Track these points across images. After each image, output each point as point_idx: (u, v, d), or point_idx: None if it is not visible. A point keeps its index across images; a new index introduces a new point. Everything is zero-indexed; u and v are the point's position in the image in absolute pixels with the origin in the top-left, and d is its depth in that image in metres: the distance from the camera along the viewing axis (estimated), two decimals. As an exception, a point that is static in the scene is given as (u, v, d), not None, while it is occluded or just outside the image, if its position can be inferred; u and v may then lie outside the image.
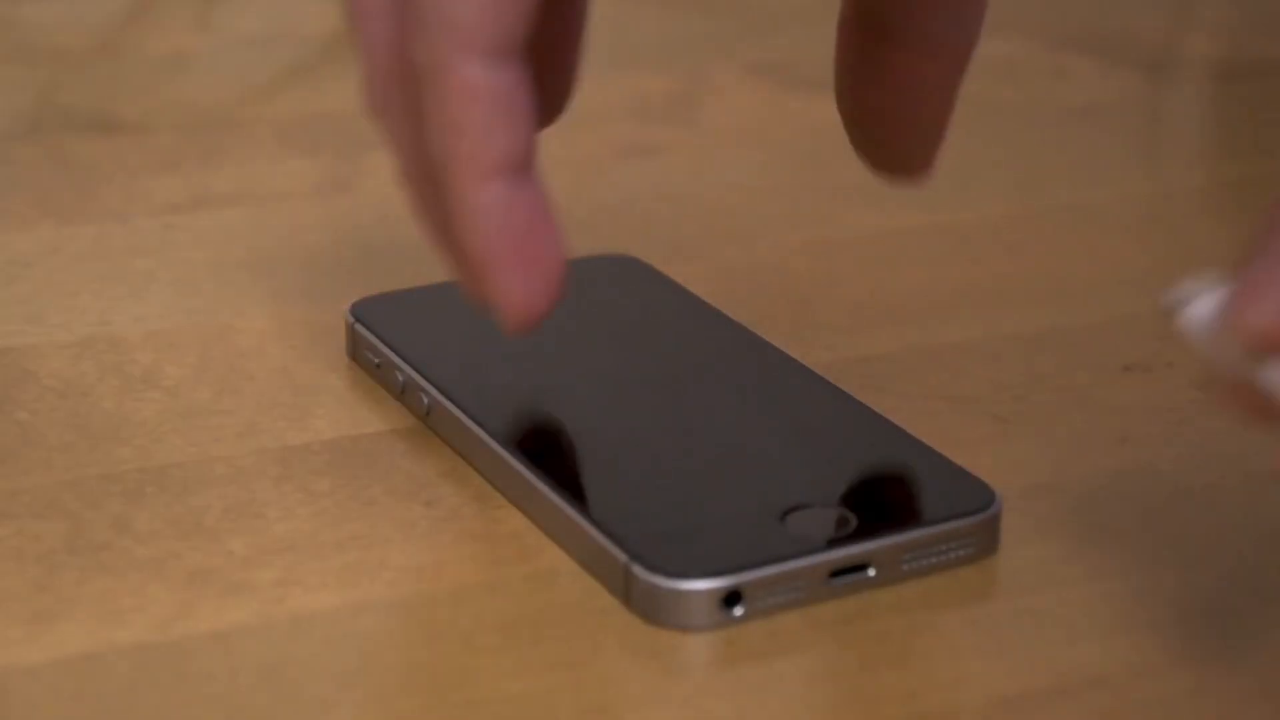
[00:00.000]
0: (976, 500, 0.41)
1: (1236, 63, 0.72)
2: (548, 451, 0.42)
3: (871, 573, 0.39)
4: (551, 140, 0.63)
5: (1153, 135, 0.65)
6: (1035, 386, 0.48)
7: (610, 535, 0.39)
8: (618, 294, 0.50)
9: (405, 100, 0.39)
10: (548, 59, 0.42)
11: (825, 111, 0.66)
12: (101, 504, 0.42)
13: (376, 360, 0.47)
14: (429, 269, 0.53)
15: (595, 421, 0.44)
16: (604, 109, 0.66)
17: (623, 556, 0.39)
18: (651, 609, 0.38)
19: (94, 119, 0.65)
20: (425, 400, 0.45)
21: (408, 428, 0.45)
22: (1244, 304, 0.31)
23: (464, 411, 0.44)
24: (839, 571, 0.39)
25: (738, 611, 0.38)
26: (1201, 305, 0.33)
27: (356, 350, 0.48)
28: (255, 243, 0.55)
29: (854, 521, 0.40)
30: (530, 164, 0.38)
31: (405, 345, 0.47)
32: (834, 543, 0.39)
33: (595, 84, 0.68)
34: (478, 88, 0.37)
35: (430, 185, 0.39)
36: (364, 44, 0.39)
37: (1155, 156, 0.63)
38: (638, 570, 0.38)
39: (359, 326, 0.48)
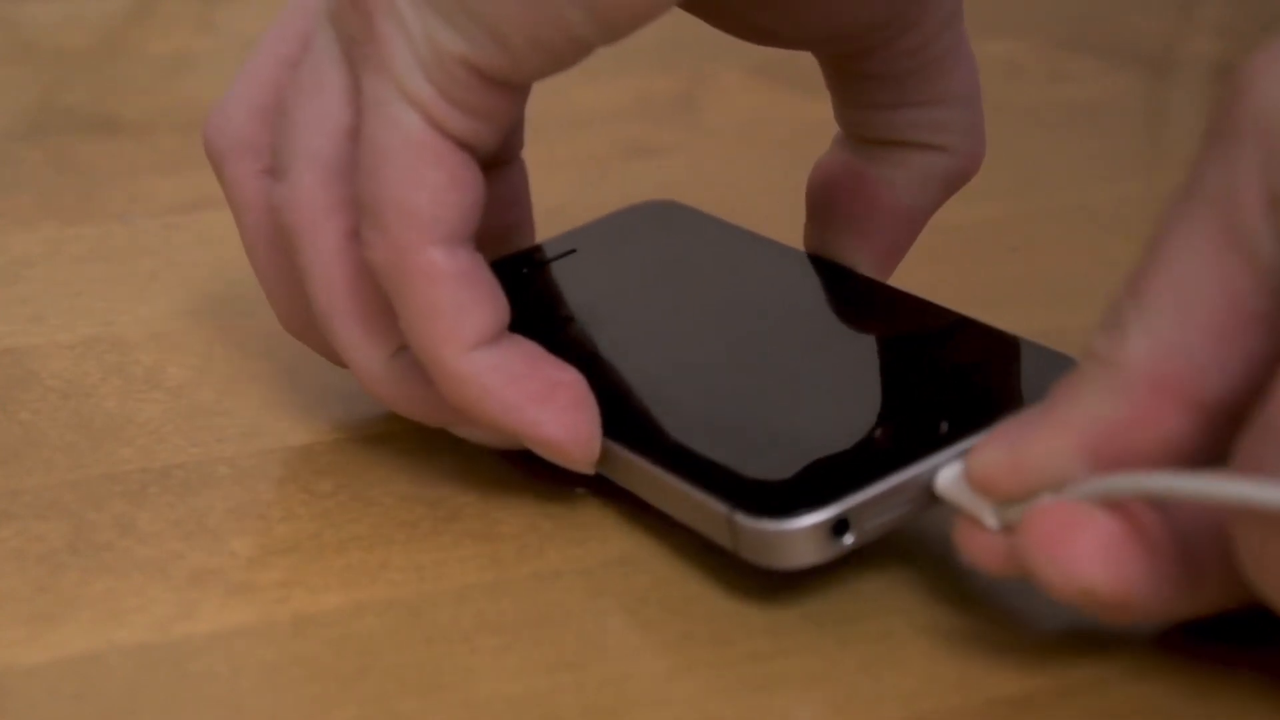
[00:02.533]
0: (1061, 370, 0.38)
1: (1237, 63, 0.72)
2: (619, 413, 0.41)
3: None
4: (554, 141, 0.63)
5: (1154, 136, 0.65)
6: (1036, 387, 0.48)
7: (706, 488, 0.38)
8: (665, 236, 0.49)
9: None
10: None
11: (827, 112, 0.66)
12: (104, 504, 0.42)
13: None
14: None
15: (661, 369, 0.43)
16: (606, 109, 0.66)
17: (723, 508, 0.38)
18: (763, 554, 0.37)
19: (96, 119, 0.65)
20: None
21: (411, 428, 0.45)
22: (975, 456, 0.36)
23: None
24: None
25: (849, 539, 0.37)
26: (953, 469, 0.37)
27: None
28: (257, 243, 0.55)
29: (947, 424, 0.38)
30: (505, 330, 0.40)
31: None
32: (931, 449, 0.38)
33: (597, 85, 0.68)
34: (442, 271, 0.39)
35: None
36: (267, 291, 0.44)
37: (1156, 157, 0.63)
38: (740, 519, 0.37)
39: None
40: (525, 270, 0.48)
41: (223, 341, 0.50)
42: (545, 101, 0.67)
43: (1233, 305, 0.34)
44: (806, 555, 0.37)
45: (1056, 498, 0.35)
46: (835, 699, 0.36)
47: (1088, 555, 0.35)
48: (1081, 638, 0.38)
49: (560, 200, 0.59)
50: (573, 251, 0.49)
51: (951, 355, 0.41)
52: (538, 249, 0.49)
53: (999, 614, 0.39)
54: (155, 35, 0.74)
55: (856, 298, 0.44)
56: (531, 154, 0.62)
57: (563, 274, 0.48)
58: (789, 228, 0.57)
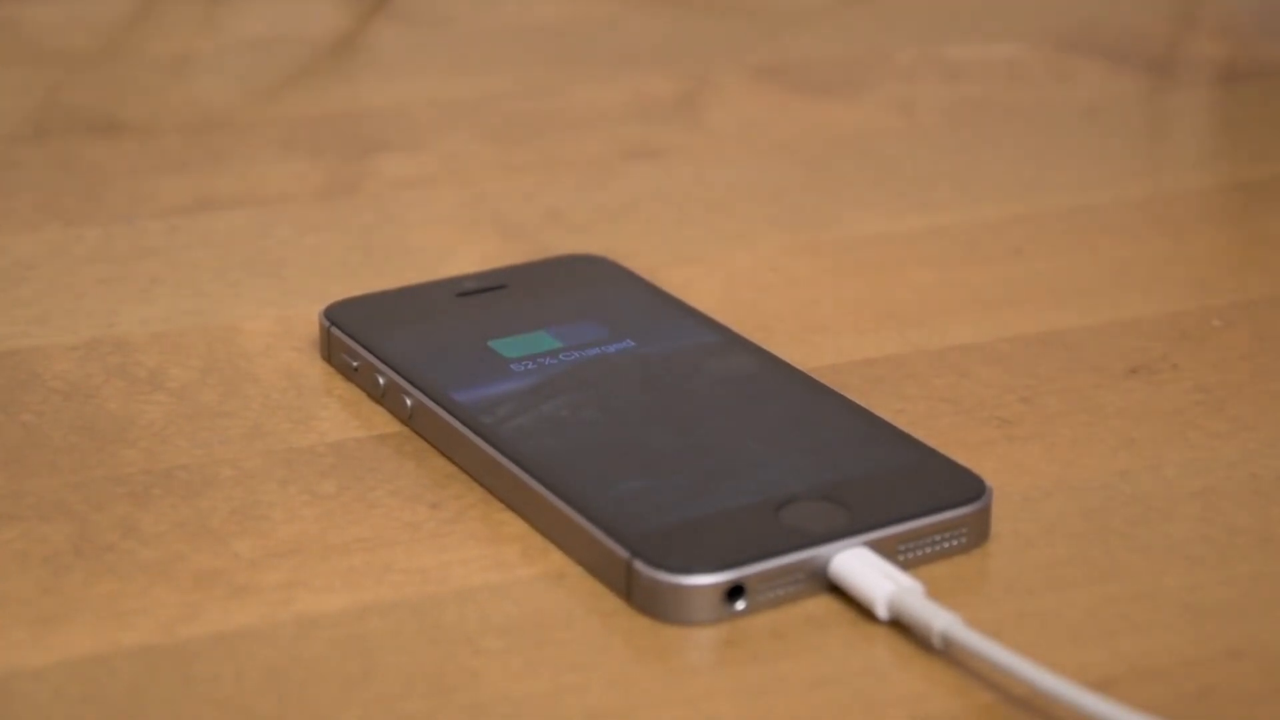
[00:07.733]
0: (968, 491, 0.41)
1: (1241, 64, 0.72)
2: (539, 451, 0.42)
3: None
4: (556, 141, 0.63)
5: (1157, 137, 0.65)
6: (1040, 389, 0.48)
7: (611, 533, 0.39)
8: (592, 292, 0.50)
9: None
10: None
11: (829, 113, 0.66)
12: (107, 506, 0.42)
13: (354, 363, 0.47)
14: (432, 270, 0.54)
15: (583, 419, 0.44)
16: (608, 110, 0.66)
17: (624, 553, 0.39)
18: (654, 605, 0.38)
19: (99, 121, 0.65)
20: (409, 403, 0.45)
21: (414, 429, 0.45)
22: None
23: (452, 414, 0.44)
24: None
25: (740, 605, 0.38)
26: (848, 555, 0.39)
27: (331, 353, 0.48)
28: (260, 244, 0.56)
29: (848, 514, 0.40)
30: None
31: (384, 348, 0.47)
32: (832, 535, 0.39)
33: (599, 85, 0.68)
34: None
35: None
36: None
37: (1159, 158, 0.63)
38: (640, 566, 0.38)
39: (334, 330, 0.48)
40: (456, 296, 0.50)
41: (225, 343, 0.50)
42: (545, 102, 0.67)
43: None
44: (698, 613, 0.38)
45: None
46: (839, 701, 0.36)
47: None
48: (1085, 639, 0.38)
49: (560, 201, 0.59)
50: (502, 287, 0.50)
51: (857, 450, 0.43)
52: (470, 278, 0.51)
53: (1002, 616, 0.39)
54: (158, 36, 0.74)
55: (775, 383, 0.46)
56: (532, 154, 0.63)
57: (490, 305, 0.49)
58: (790, 230, 0.57)
